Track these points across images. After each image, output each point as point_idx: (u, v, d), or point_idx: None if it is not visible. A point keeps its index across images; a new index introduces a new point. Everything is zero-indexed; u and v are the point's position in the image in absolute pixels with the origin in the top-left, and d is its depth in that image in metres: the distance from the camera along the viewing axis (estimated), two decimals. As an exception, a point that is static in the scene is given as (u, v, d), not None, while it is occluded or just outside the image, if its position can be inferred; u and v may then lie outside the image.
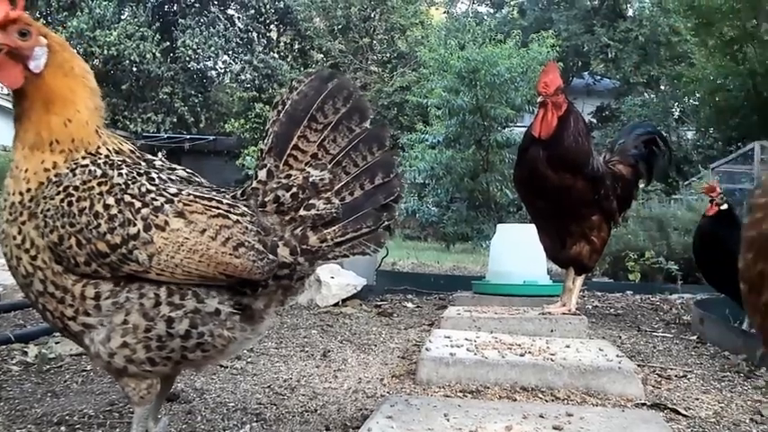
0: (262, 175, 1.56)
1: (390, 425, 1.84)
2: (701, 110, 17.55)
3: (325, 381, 2.66)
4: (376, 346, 3.39)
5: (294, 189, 1.54)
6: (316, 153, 1.55)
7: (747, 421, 2.24)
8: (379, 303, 4.93)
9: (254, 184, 1.58)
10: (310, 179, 1.55)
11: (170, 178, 1.55)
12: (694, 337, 3.78)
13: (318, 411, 2.24)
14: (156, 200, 1.48)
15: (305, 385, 2.58)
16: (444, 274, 8.36)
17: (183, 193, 1.51)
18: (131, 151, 1.60)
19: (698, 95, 17.78)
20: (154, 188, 1.50)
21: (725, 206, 3.81)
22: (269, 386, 2.53)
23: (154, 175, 1.53)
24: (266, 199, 1.55)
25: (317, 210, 1.54)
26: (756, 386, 2.70)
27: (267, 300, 1.57)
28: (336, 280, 4.67)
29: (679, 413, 2.27)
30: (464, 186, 15.42)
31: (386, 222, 1.58)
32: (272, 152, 1.56)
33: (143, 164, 1.57)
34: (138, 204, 1.47)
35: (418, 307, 5.00)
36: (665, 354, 3.37)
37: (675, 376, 2.84)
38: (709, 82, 16.14)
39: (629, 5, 20.62)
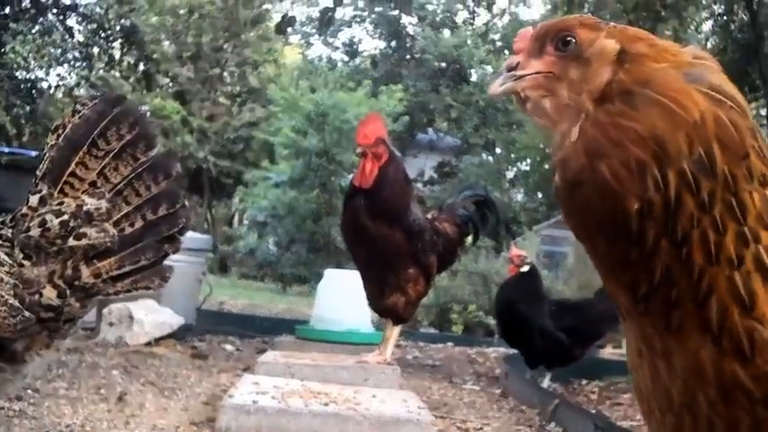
0: (33, 201, 1.43)
1: (168, 479, 1.72)
2: (530, 175, 18.91)
3: (114, 427, 2.47)
4: (181, 390, 3.22)
5: (65, 216, 1.42)
6: (95, 181, 1.45)
7: (530, 475, 2.35)
8: (196, 344, 4.72)
9: (24, 210, 1.44)
10: (84, 208, 1.43)
11: None
12: (498, 391, 3.96)
13: (96, 462, 2.06)
14: None
15: (89, 432, 2.38)
16: (274, 316, 8.21)
17: None
18: None
19: (528, 161, 19.20)
20: None
21: (526, 268, 4.11)
22: (46, 432, 2.31)
23: None
24: (31, 224, 1.41)
25: (89, 239, 1.42)
26: (544, 440, 2.86)
27: (29, 341, 1.42)
28: (150, 317, 4.41)
29: (468, 466, 2.33)
30: (305, 228, 15.39)
31: (169, 254, 1.50)
32: (47, 178, 1.44)
33: None
34: None
35: (238, 350, 4.85)
36: (469, 406, 3.49)
37: (473, 429, 2.95)
38: (539, 150, 17.47)
39: (472, 71, 21.98)
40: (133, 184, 1.47)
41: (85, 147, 1.45)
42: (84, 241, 1.42)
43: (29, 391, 2.78)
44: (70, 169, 1.44)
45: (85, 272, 1.43)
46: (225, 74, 18.08)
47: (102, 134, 1.46)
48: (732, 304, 0.78)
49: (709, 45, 13.24)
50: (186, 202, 1.53)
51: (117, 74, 17.47)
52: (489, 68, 21.35)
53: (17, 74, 16.63)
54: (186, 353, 4.31)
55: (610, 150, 0.79)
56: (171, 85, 17.74)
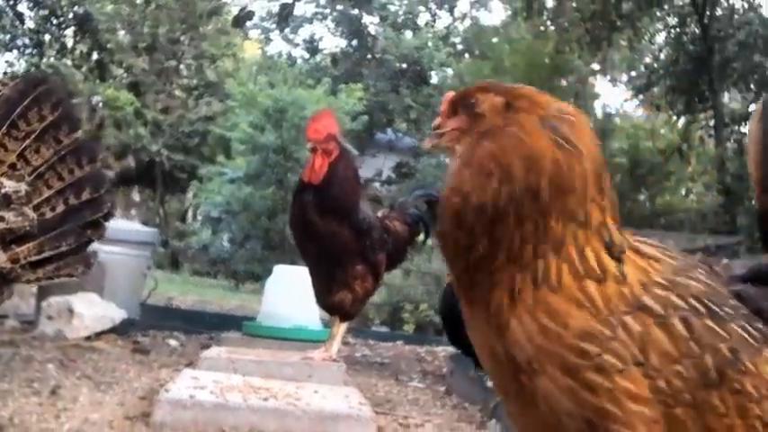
0: None
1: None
2: (487, 178, 19.08)
3: (44, 420, 2.40)
4: (118, 384, 3.14)
5: None
6: (14, 163, 1.40)
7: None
8: (138, 339, 4.61)
9: None
10: (2, 190, 1.38)
11: None
12: (443, 388, 3.98)
13: (21, 456, 1.99)
14: None
15: (18, 425, 2.31)
16: (224, 312, 8.10)
17: None
18: None
19: (485, 164, 19.37)
20: None
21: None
22: (-30, 425, 2.22)
23: None
24: None
25: (7, 223, 1.36)
26: (484, 437, 2.88)
27: None
28: (91, 311, 4.31)
29: (406, 462, 2.33)
30: (260, 225, 15.22)
31: (91, 240, 1.45)
32: None
33: None
34: None
35: (182, 346, 4.76)
36: (412, 403, 3.50)
37: (415, 425, 2.95)
38: (496, 154, 17.63)
39: (433, 73, 22.06)
40: (55, 167, 1.42)
41: (4, 128, 1.38)
42: (1, 225, 1.37)
43: (-44, 384, 2.69)
44: None
45: (2, 257, 1.37)
46: (181, 66, 17.76)
47: (22, 115, 1.39)
48: (505, 295, 1.02)
49: (662, 56, 13.58)
50: (112, 187, 1.48)
51: (69, 62, 17.00)
52: (450, 71, 21.44)
53: (-38, 60, 16.14)
54: (127, 347, 4.21)
55: (471, 161, 1.07)
56: (125, 75, 17.31)
